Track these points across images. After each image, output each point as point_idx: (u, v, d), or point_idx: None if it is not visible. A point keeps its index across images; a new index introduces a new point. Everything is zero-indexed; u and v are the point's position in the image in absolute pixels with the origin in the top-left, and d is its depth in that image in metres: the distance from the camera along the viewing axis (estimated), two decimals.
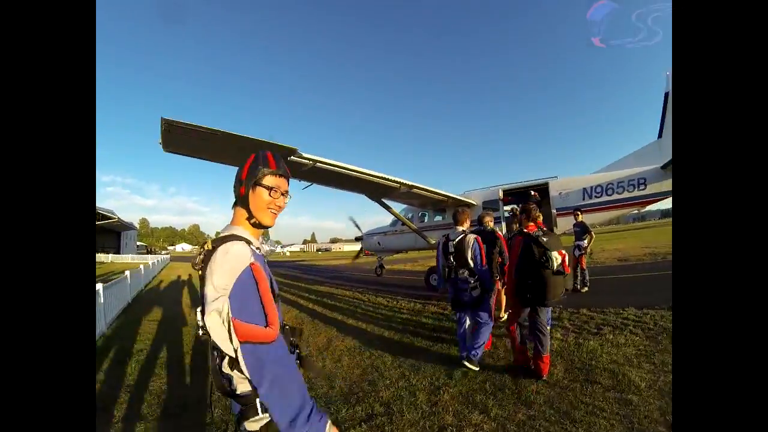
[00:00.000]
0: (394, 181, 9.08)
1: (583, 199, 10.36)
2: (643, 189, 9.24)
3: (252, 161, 1.44)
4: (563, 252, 4.09)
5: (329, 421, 1.37)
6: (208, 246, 1.34)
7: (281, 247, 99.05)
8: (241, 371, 1.26)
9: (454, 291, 4.74)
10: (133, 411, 3.93)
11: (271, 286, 1.37)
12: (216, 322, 1.22)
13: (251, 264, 1.29)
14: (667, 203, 10.39)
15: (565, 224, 10.53)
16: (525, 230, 4.39)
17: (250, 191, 1.42)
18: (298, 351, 1.50)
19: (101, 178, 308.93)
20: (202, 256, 1.34)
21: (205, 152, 6.67)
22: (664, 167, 8.88)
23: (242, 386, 1.29)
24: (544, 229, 4.46)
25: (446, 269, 4.80)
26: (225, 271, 1.25)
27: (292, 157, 6.82)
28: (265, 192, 1.43)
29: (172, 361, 5.63)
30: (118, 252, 49.73)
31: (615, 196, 9.92)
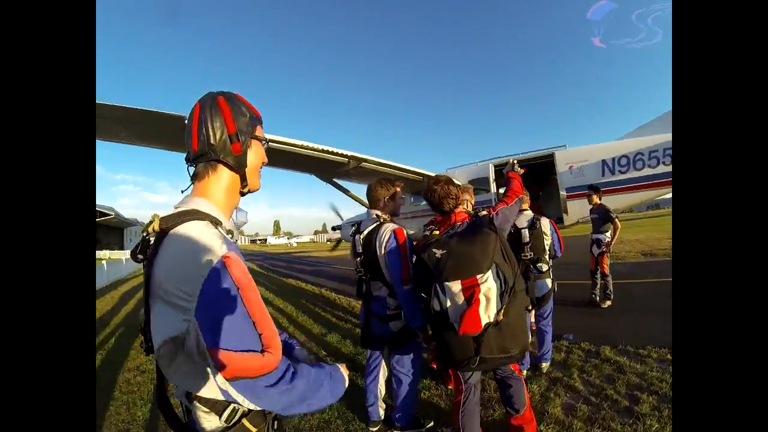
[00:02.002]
0: (338, 155, 6.71)
1: (603, 175, 7.72)
2: None
3: (229, 107, 1.04)
4: (473, 282, 2.03)
5: (340, 366, 1.17)
6: (155, 227, 0.94)
7: (288, 239, 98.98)
8: (205, 403, 0.95)
9: (365, 316, 2.93)
10: None
11: None
12: (173, 360, 0.89)
13: (223, 257, 0.87)
14: None
15: (578, 210, 7.92)
16: (429, 227, 2.56)
17: (248, 148, 1.09)
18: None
19: (113, 176, 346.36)
20: (143, 243, 0.95)
21: (128, 137, 5.94)
22: None
23: (208, 423, 0.97)
24: (482, 214, 2.44)
25: (359, 279, 2.94)
26: (183, 271, 0.86)
27: None
28: (261, 147, 1.15)
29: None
30: (122, 248, 49.01)
31: (647, 171, 7.20)
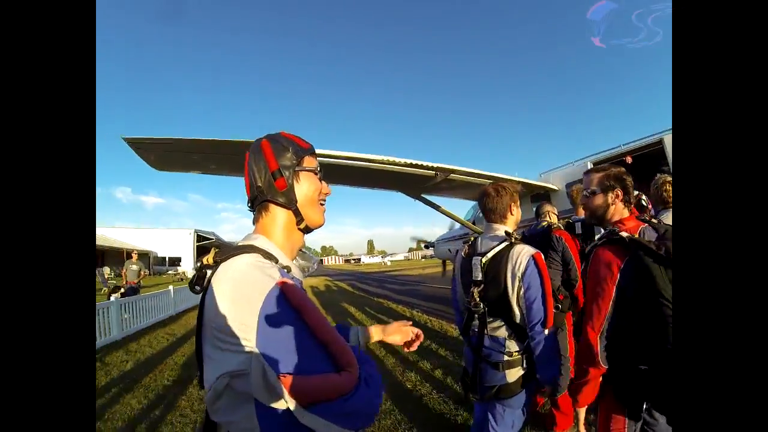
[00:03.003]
0: (424, 167, 6.42)
1: None
2: None
3: (270, 146, 1.03)
4: None
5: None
6: (209, 260, 0.94)
7: (382, 258, 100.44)
8: None
9: (473, 358, 2.26)
10: None
11: None
12: (228, 397, 0.81)
13: (278, 282, 0.83)
14: None
15: None
16: (618, 230, 1.73)
17: (294, 182, 1.04)
18: None
19: (215, 205, 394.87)
20: (200, 273, 0.94)
21: (188, 165, 6.29)
22: None
23: None
24: (659, 222, 1.83)
25: (465, 312, 2.31)
26: (238, 301, 0.81)
27: None
28: (313, 176, 1.08)
29: None
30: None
31: None
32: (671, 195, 2.70)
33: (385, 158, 6.01)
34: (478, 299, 2.17)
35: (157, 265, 43.69)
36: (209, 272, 0.92)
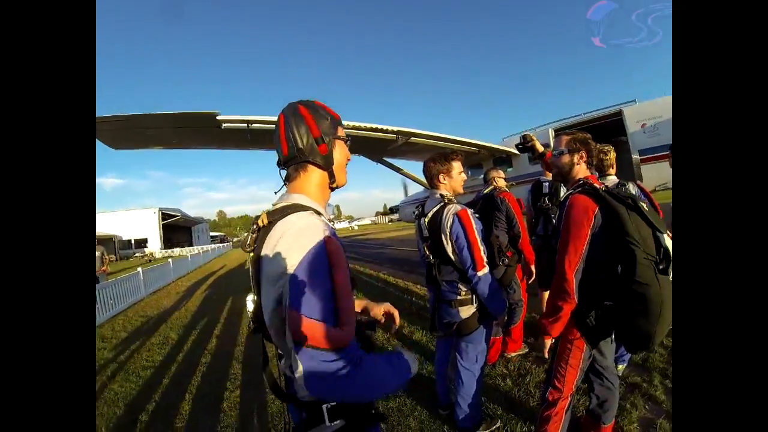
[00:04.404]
0: (385, 131, 6.49)
1: None
2: None
3: (311, 114, 1.17)
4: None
5: (404, 352, 1.19)
6: (263, 221, 1.10)
7: (349, 222, 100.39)
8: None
9: (434, 301, 2.74)
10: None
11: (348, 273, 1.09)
12: (271, 311, 1.02)
13: (326, 238, 1.00)
14: None
15: (656, 175, 7.06)
16: (591, 182, 2.04)
17: (333, 148, 1.20)
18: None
19: (177, 181, 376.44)
20: (255, 235, 1.12)
21: (146, 141, 6.59)
22: None
23: (304, 390, 0.99)
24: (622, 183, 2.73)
25: (428, 265, 2.72)
26: (289, 248, 0.98)
27: (224, 125, 5.91)
28: (344, 144, 1.25)
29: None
30: (191, 245, 51.50)
31: None
32: (608, 163, 3.22)
33: (347, 123, 6.02)
34: (428, 253, 2.65)
35: (123, 249, 42.01)
36: (258, 232, 1.11)
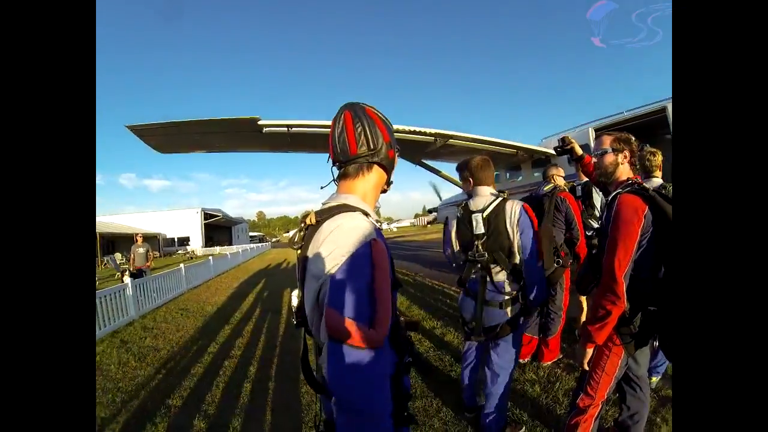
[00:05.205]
0: (423, 134, 6.43)
1: None
2: None
3: (381, 120, 1.20)
4: None
5: None
6: (311, 220, 1.11)
7: (387, 224, 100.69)
8: None
9: (476, 306, 2.58)
10: None
11: (392, 274, 1.10)
12: (312, 306, 1.04)
13: (371, 240, 1.00)
14: None
15: None
16: (639, 183, 1.98)
17: (397, 154, 1.26)
18: (409, 354, 1.23)
19: (220, 182, 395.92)
20: (302, 233, 1.14)
21: (190, 146, 6.86)
22: None
23: None
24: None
25: (470, 263, 2.60)
26: (334, 248, 0.99)
27: (265, 129, 6.06)
28: (395, 153, 1.26)
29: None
30: (230, 244, 52.92)
31: None
32: (655, 164, 3.11)
33: None
34: (482, 250, 2.51)
35: (167, 246, 44.35)
36: (307, 231, 1.12)
